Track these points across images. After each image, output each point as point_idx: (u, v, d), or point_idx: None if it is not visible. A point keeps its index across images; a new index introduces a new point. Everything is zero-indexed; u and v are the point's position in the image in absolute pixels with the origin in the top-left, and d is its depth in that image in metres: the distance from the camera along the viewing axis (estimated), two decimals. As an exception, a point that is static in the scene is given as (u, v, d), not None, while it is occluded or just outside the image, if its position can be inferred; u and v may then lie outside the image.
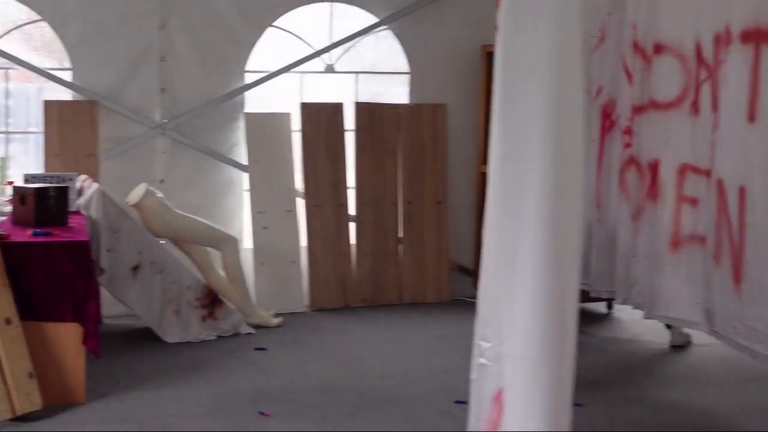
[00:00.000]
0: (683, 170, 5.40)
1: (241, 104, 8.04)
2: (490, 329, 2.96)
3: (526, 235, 2.88)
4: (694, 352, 6.70)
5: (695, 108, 5.29)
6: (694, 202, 5.31)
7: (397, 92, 8.58)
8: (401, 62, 8.46)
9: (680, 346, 6.81)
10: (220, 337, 6.99)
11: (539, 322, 2.88)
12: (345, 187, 8.16)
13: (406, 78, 8.50)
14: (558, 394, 2.95)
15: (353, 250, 8.15)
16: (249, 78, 8.03)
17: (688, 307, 5.34)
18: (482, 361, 2.99)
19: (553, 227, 2.87)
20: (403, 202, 8.31)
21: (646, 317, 5.81)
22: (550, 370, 2.90)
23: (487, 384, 2.98)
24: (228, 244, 7.29)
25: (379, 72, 8.73)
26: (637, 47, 5.79)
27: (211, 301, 7.06)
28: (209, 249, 7.27)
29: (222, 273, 7.27)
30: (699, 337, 6.29)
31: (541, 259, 2.87)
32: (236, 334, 7.06)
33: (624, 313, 7.54)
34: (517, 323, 2.89)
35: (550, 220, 2.87)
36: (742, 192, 4.93)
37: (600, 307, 7.75)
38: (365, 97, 8.47)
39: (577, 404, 5.32)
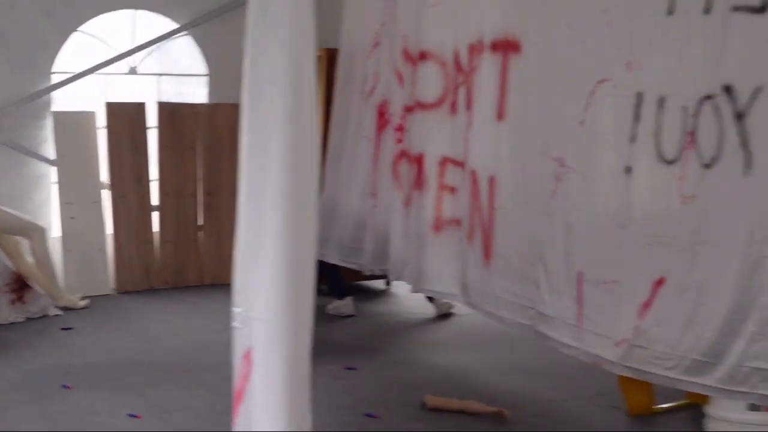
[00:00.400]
0: (444, 162, 5.66)
1: (48, 103, 7.88)
2: (242, 296, 3.12)
3: (268, 216, 3.07)
4: (456, 320, 6.95)
5: (453, 108, 5.56)
6: (452, 190, 5.58)
7: (198, 93, 8.60)
8: (201, 65, 8.48)
9: (444, 315, 7.07)
10: (29, 319, 6.88)
11: (280, 290, 3.06)
12: (148, 180, 8.11)
13: (205, 80, 8.53)
14: (297, 351, 3.13)
15: (156, 237, 8.13)
16: (56, 79, 7.89)
17: (447, 281, 5.61)
18: (235, 324, 3.15)
19: (291, 208, 3.07)
20: (203, 193, 8.34)
21: (414, 291, 6.08)
22: (289, 330, 3.08)
23: (239, 344, 3.14)
24: (36, 232, 7.19)
25: (179, 74, 8.72)
26: (407, 54, 6.01)
27: (20, 285, 6.96)
28: (18, 237, 7.14)
29: (31, 260, 7.16)
30: (460, 307, 6.52)
31: (280, 236, 3.06)
32: (44, 316, 6.97)
33: (400, 288, 7.76)
34: (261, 291, 3.07)
35: (289, 203, 3.07)
36: (491, 181, 5.22)
37: (380, 284, 7.96)
38: (168, 97, 8.46)
39: (350, 368, 5.61)
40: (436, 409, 4.88)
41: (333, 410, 4.93)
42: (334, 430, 4.62)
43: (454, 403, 4.90)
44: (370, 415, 4.80)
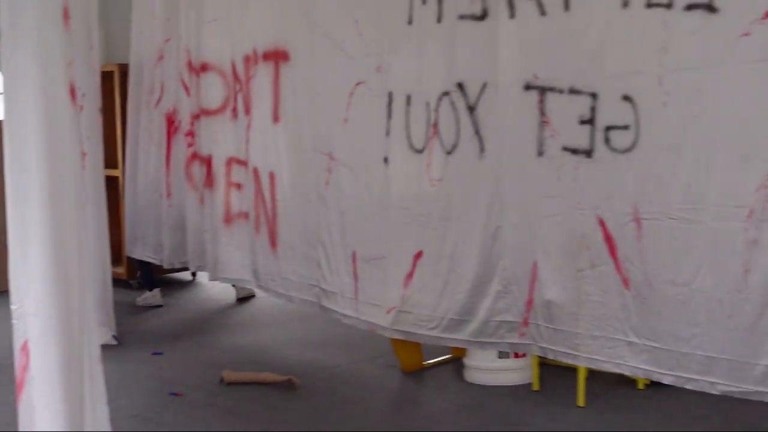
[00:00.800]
0: (230, 162, 5.73)
1: None
2: (16, 295, 3.14)
3: (32, 220, 3.08)
4: (255, 303, 7.00)
5: (234, 113, 5.63)
6: (239, 186, 5.66)
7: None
8: None
9: (244, 298, 7.12)
10: None
11: (47, 287, 3.10)
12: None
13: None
14: (71, 341, 3.17)
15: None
16: None
17: (240, 269, 5.70)
18: (13, 321, 3.17)
19: (52, 212, 3.09)
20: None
21: (211, 279, 6.13)
22: (60, 323, 3.12)
23: (17, 338, 3.16)
24: None
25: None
26: (191, 66, 6.03)
27: None
28: None
29: None
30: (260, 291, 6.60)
31: (44, 238, 3.08)
32: None
33: (205, 278, 7.70)
34: (31, 288, 3.10)
35: (49, 206, 3.09)
36: (272, 176, 5.34)
37: (187, 276, 7.92)
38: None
39: (156, 353, 5.60)
40: (233, 383, 4.95)
41: (139, 392, 4.92)
42: (139, 411, 4.62)
43: (249, 376, 4.99)
44: (173, 394, 4.82)
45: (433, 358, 5.26)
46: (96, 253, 5.56)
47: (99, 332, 5.61)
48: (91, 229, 5.33)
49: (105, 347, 5.55)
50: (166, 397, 4.81)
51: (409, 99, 4.37)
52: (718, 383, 3.40)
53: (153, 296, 7.00)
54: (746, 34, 3.13)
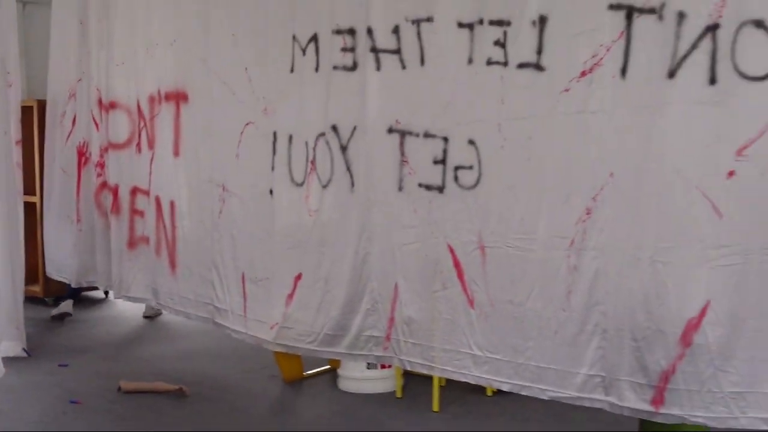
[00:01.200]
0: (134, 191, 5.73)
1: None
2: None
3: None
4: (160, 319, 6.96)
5: (138, 147, 5.66)
6: (141, 213, 5.68)
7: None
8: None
9: (151, 316, 7.09)
10: None
11: None
12: None
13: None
14: None
15: None
16: None
17: (141, 288, 5.70)
18: None
19: None
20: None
21: (116, 297, 6.11)
22: None
23: None
24: None
25: None
26: (101, 104, 6.01)
27: None
28: None
29: None
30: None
31: None
32: None
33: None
34: None
35: None
36: (172, 205, 5.37)
37: (100, 294, 7.82)
38: None
39: (62, 365, 5.55)
40: (130, 392, 4.95)
41: (42, 401, 4.88)
42: (41, 417, 4.59)
43: (145, 385, 5.00)
44: (74, 402, 4.80)
45: (312, 369, 5.34)
46: (9, 273, 5.53)
47: (9, 345, 5.62)
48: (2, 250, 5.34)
49: (15, 359, 5.55)
50: (66, 405, 4.78)
51: (291, 138, 4.48)
52: (547, 390, 3.58)
53: (65, 305, 6.95)
54: (567, 90, 3.35)
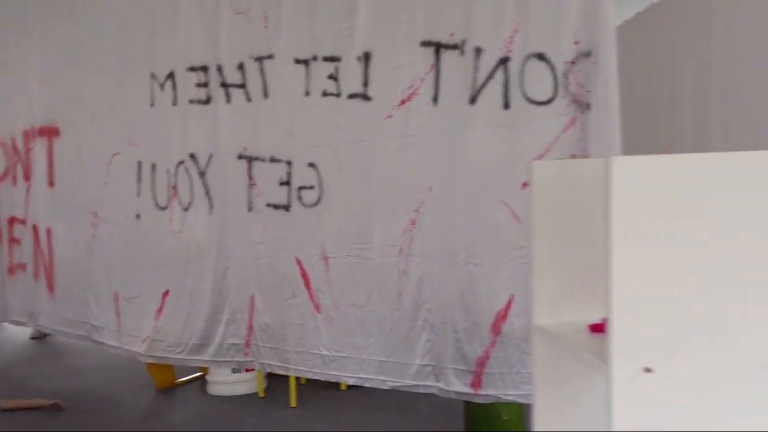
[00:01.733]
0: (11, 221, 5.52)
1: None
2: None
3: None
4: (49, 340, 6.72)
5: (14, 180, 5.46)
6: (18, 242, 5.47)
7: None
8: None
9: (38, 337, 6.81)
10: None
11: None
12: None
13: None
14: None
15: None
16: None
17: (19, 312, 5.48)
18: None
19: None
20: None
21: (1, 321, 5.84)
22: None
23: None
24: None
25: None
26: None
27: None
28: None
29: None
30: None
31: None
32: None
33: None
34: None
35: None
36: (48, 232, 5.20)
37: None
38: None
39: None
40: (7, 410, 4.74)
41: None
42: None
43: (22, 402, 4.80)
44: (-48, 423, 4.58)
45: (185, 376, 5.25)
46: None
47: None
48: None
49: None
50: (-55, 425, 4.56)
51: (154, 166, 4.42)
52: (388, 380, 3.63)
53: None
54: (390, 116, 3.44)
